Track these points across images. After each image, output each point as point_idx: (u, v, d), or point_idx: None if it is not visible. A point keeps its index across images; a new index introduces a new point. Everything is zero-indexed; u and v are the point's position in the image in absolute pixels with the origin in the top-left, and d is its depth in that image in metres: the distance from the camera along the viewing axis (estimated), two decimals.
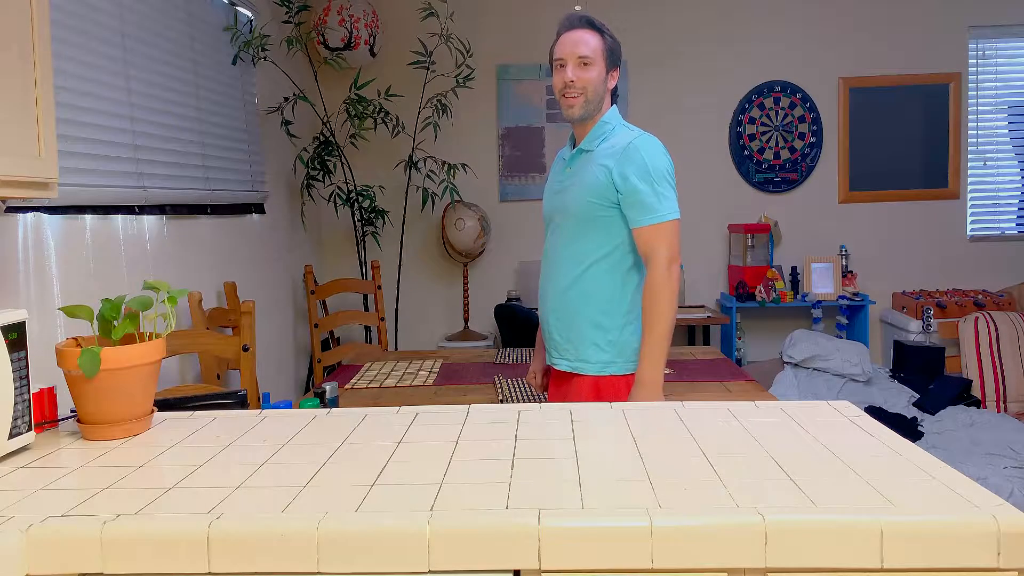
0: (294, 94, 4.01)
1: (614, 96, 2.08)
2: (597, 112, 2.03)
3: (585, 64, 1.98)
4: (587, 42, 1.98)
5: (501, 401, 2.59)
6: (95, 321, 1.54)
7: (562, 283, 2.02)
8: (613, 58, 2.02)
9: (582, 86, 1.98)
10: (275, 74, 3.98)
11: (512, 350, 3.46)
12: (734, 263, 4.68)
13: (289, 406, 1.95)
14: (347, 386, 2.83)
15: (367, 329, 4.58)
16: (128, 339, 1.56)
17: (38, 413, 1.56)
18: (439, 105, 4.31)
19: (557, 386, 2.08)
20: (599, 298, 1.98)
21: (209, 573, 1.06)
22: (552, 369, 2.11)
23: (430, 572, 1.06)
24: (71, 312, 1.51)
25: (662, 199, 1.90)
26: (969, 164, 4.71)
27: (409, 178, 4.56)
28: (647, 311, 1.91)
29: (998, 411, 3.97)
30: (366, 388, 2.80)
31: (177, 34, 2.93)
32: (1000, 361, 4.05)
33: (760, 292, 4.47)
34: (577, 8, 4.68)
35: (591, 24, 2.01)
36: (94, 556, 1.07)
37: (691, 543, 1.04)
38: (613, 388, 1.97)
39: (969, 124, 4.69)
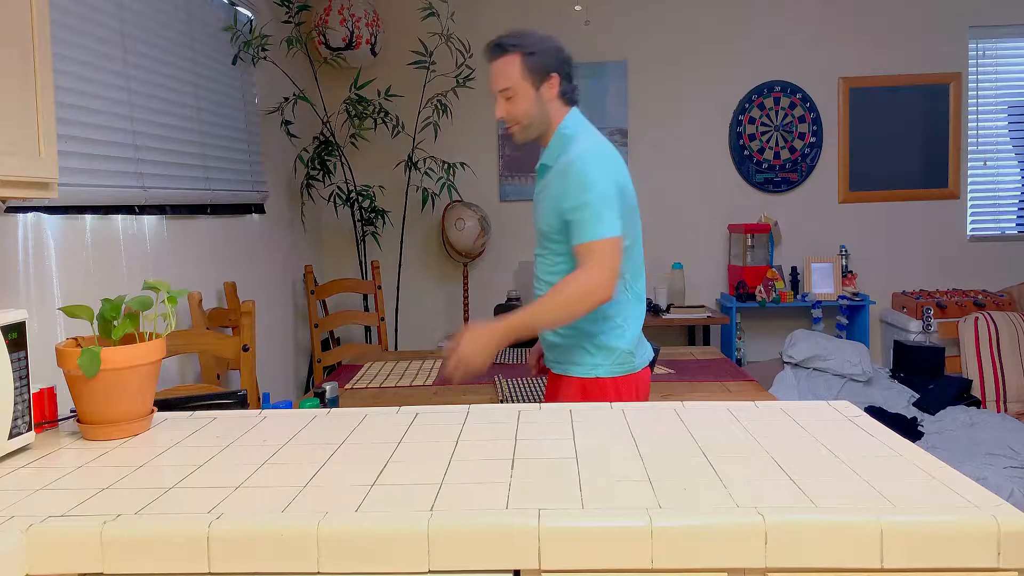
0: (294, 94, 4.01)
1: (571, 98, 2.00)
2: (546, 128, 1.98)
3: (508, 98, 1.93)
4: (503, 73, 1.92)
5: (501, 401, 2.59)
6: (95, 321, 1.54)
7: (543, 292, 2.02)
8: (541, 70, 1.92)
9: (514, 119, 1.95)
10: (275, 74, 3.98)
11: (512, 350, 3.46)
12: (734, 263, 4.68)
13: (289, 406, 1.95)
14: (347, 386, 2.83)
15: (367, 329, 4.58)
16: (128, 339, 1.56)
17: (38, 413, 1.56)
18: (439, 105, 4.31)
19: (551, 386, 2.08)
20: None
21: (209, 573, 1.06)
22: (548, 370, 2.12)
23: (430, 572, 1.06)
24: (71, 312, 1.51)
25: (590, 217, 1.84)
26: (969, 164, 4.71)
27: (409, 178, 4.56)
28: (551, 291, 1.86)
29: (998, 411, 3.97)
30: (366, 388, 2.80)
31: (177, 34, 2.93)
32: (1000, 361, 4.05)
33: (760, 292, 4.47)
34: (577, 8, 4.68)
35: (502, 48, 1.93)
36: (94, 556, 1.07)
37: (691, 543, 1.04)
38: (600, 390, 1.96)
39: (969, 124, 4.69)
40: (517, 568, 1.05)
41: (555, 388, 2.04)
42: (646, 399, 2.05)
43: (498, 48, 1.94)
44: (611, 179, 1.87)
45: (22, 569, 1.06)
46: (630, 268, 1.99)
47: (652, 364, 2.13)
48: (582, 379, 1.97)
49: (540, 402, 2.10)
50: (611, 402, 1.87)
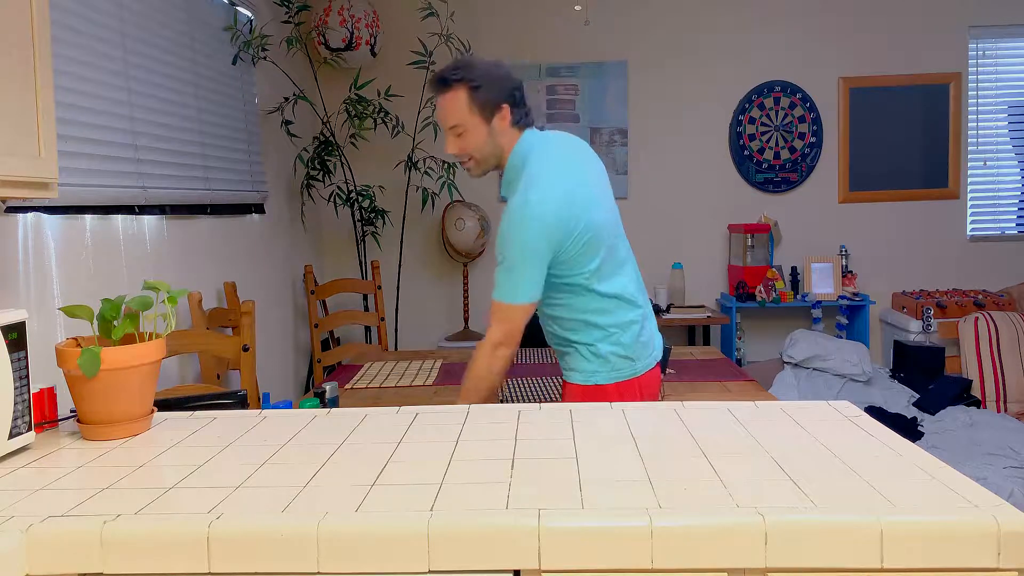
0: (294, 94, 4.01)
1: (525, 123, 1.91)
2: (501, 157, 1.91)
3: (459, 134, 1.87)
4: (451, 109, 1.85)
5: (501, 401, 2.59)
6: (95, 321, 1.54)
7: (547, 326, 2.04)
8: (490, 103, 1.84)
9: (467, 155, 1.90)
10: (275, 74, 3.98)
11: None
12: (734, 263, 4.68)
13: (289, 406, 1.95)
14: (347, 386, 2.83)
15: (367, 329, 4.58)
16: (128, 339, 1.56)
17: (38, 413, 1.56)
18: None
19: (563, 390, 2.09)
20: (566, 322, 1.97)
21: (209, 573, 1.06)
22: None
23: (430, 572, 1.06)
24: (71, 312, 1.51)
25: (508, 278, 1.82)
26: (969, 164, 4.71)
27: (409, 178, 4.56)
28: (466, 374, 1.90)
29: (998, 411, 3.97)
30: (366, 388, 2.80)
31: (177, 34, 2.93)
32: (1000, 361, 4.05)
33: (760, 292, 4.47)
34: (577, 8, 4.68)
35: (446, 82, 1.84)
36: (94, 556, 1.07)
37: (691, 543, 1.04)
38: (601, 395, 1.96)
39: (969, 124, 4.69)
40: (517, 568, 1.05)
41: (563, 392, 2.06)
42: (654, 400, 2.04)
43: (442, 82, 1.85)
44: (543, 230, 1.78)
45: (22, 569, 1.06)
46: (604, 279, 1.92)
47: (664, 363, 2.11)
48: (583, 386, 1.97)
49: (540, 402, 2.10)
50: (611, 402, 1.87)
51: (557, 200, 1.80)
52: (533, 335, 2.27)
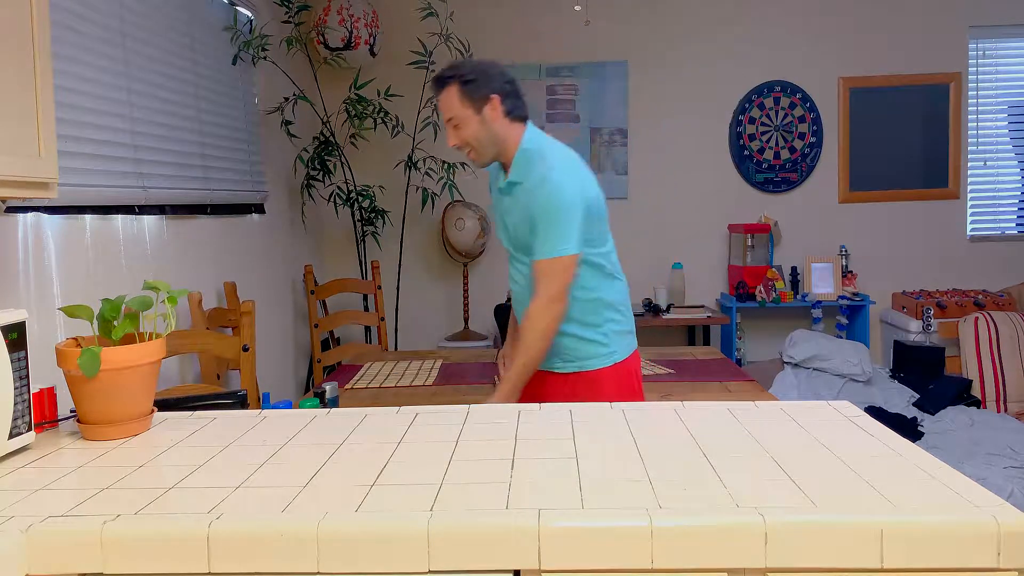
0: (294, 94, 4.01)
1: (520, 114, 2.02)
2: (503, 147, 2.00)
3: (456, 126, 1.98)
4: (446, 104, 1.98)
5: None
6: (95, 321, 1.54)
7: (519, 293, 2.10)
8: (479, 95, 1.95)
9: (466, 144, 1.99)
10: (275, 74, 3.98)
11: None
12: (734, 263, 4.68)
13: (289, 406, 1.95)
14: (347, 386, 2.83)
15: (367, 329, 4.58)
16: (128, 339, 1.56)
17: (38, 413, 1.56)
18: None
19: (564, 388, 2.08)
20: (585, 305, 2.03)
21: (209, 573, 1.06)
22: (547, 376, 2.10)
23: (430, 572, 1.06)
24: (71, 312, 1.51)
25: (555, 236, 1.91)
26: (969, 164, 4.71)
27: (409, 178, 4.56)
28: (522, 337, 1.96)
29: (998, 411, 3.97)
30: (366, 388, 2.80)
31: (177, 34, 2.93)
32: (1000, 361, 4.05)
33: (760, 292, 4.47)
34: (577, 8, 4.68)
35: (442, 81, 1.99)
36: (94, 556, 1.07)
37: (691, 543, 1.04)
38: (625, 373, 2.08)
39: (969, 124, 4.69)
40: (517, 568, 1.05)
41: (581, 386, 2.06)
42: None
43: (438, 82, 2.00)
44: (580, 196, 1.92)
45: (22, 569, 1.06)
46: (613, 261, 2.09)
47: None
48: (608, 367, 2.05)
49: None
50: (611, 403, 1.87)
51: (585, 176, 1.97)
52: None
